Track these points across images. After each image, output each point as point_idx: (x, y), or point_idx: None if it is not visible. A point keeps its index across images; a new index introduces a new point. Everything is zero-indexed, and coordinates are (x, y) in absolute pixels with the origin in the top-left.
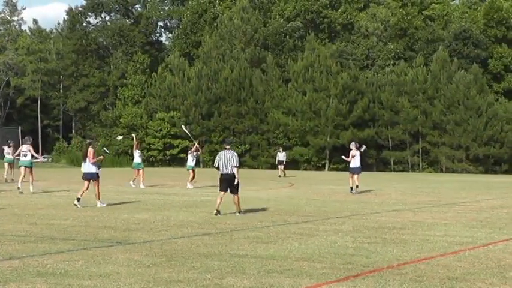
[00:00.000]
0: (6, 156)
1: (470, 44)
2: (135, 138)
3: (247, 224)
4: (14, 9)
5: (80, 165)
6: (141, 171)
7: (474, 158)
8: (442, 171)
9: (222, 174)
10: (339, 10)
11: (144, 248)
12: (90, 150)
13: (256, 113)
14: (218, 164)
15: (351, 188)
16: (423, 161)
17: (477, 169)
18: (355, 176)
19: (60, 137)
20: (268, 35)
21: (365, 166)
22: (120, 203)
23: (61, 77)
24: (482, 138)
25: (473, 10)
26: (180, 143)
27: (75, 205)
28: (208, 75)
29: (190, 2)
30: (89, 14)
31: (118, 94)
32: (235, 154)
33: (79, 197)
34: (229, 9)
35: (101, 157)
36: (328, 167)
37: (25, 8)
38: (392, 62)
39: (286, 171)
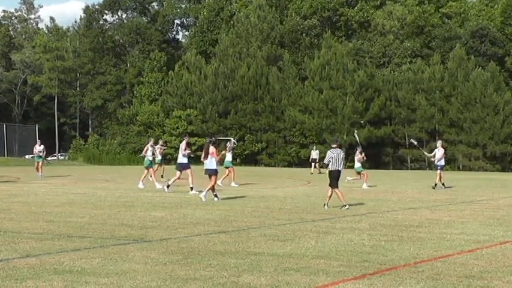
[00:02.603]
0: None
1: (487, 41)
2: (232, 140)
3: (264, 222)
4: (30, 7)
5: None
6: (230, 169)
7: (491, 155)
8: (459, 169)
9: (333, 171)
10: (356, 8)
11: (160, 245)
12: (213, 148)
13: (273, 111)
14: (329, 161)
15: (443, 184)
16: None
17: (494, 167)
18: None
19: (77, 134)
20: (285, 33)
21: (382, 164)
22: (135, 200)
23: (78, 74)
24: (499, 136)
25: (490, 8)
26: (196, 140)
27: (216, 199)
28: (224, 73)
29: (206, 0)
30: (106, 12)
31: (135, 92)
32: (343, 152)
33: (215, 193)
34: (245, 7)
35: (224, 152)
36: (345, 165)
37: (42, 6)
38: (409, 60)
39: (320, 169)
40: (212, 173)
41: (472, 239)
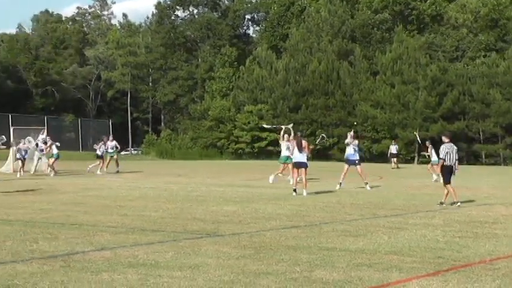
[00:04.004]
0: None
1: None
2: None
3: (336, 217)
4: (104, 3)
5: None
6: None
7: None
8: None
9: (447, 166)
10: (428, 1)
11: (232, 240)
12: (305, 142)
13: (344, 106)
14: (445, 156)
15: None
16: None
17: None
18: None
19: (150, 129)
20: (356, 27)
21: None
22: (206, 195)
23: (150, 70)
24: None
25: None
26: (268, 135)
27: (294, 194)
28: (295, 68)
29: None
30: (177, 7)
31: (206, 87)
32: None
33: (295, 187)
34: (316, 2)
35: (312, 147)
36: (418, 160)
37: (115, 3)
38: (483, 54)
39: (398, 164)
40: (304, 166)
41: None
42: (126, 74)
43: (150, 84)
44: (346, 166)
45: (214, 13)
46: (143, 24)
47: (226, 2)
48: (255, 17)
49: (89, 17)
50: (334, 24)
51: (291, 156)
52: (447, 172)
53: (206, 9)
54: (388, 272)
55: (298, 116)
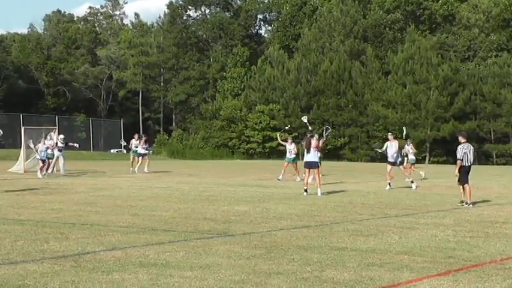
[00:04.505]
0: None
1: None
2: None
3: (347, 217)
4: (116, 3)
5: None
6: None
7: None
8: None
9: (465, 166)
10: (440, 1)
11: (243, 240)
12: (315, 141)
13: (356, 106)
14: (462, 156)
15: None
16: None
17: None
18: None
19: (161, 129)
20: (368, 27)
21: None
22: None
23: (162, 70)
24: None
25: None
26: (279, 135)
27: (305, 194)
28: (307, 68)
29: None
30: (189, 7)
31: (218, 87)
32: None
33: (306, 188)
34: (328, 2)
35: (322, 144)
36: (429, 160)
37: (127, 3)
38: (494, 54)
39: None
40: (315, 166)
41: None
42: (138, 74)
43: (162, 84)
44: (389, 167)
45: (226, 13)
46: (155, 24)
47: (238, 1)
48: (267, 16)
49: (101, 17)
50: (346, 24)
51: (289, 156)
52: (465, 172)
53: (218, 9)
54: (399, 272)
55: (309, 115)
